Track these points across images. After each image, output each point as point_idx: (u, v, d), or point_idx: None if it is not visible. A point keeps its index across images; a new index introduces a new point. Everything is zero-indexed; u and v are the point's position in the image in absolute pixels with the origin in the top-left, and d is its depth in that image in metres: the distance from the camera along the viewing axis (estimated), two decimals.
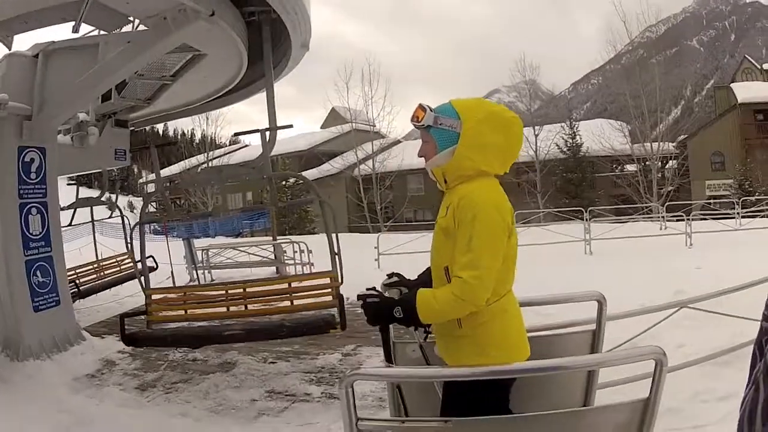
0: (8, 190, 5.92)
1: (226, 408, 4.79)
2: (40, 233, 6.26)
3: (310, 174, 35.31)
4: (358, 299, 2.17)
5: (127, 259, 10.25)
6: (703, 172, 30.40)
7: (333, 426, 4.08)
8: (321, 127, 44.90)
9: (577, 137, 32.50)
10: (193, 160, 38.08)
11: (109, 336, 6.98)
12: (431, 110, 2.18)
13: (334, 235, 5.48)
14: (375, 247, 13.08)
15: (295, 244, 12.49)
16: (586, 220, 15.30)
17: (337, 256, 5.50)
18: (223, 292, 5.57)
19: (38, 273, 6.19)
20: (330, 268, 5.44)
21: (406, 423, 2.02)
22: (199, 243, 14.08)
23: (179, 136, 64.83)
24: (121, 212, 9.46)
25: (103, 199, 9.41)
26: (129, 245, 10.49)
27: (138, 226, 5.94)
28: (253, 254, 13.04)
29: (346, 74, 35.30)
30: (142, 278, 5.67)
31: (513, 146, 2.22)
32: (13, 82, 5.92)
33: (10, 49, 5.91)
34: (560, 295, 2.89)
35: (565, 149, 32.46)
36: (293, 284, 5.58)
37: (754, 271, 5.01)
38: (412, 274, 2.51)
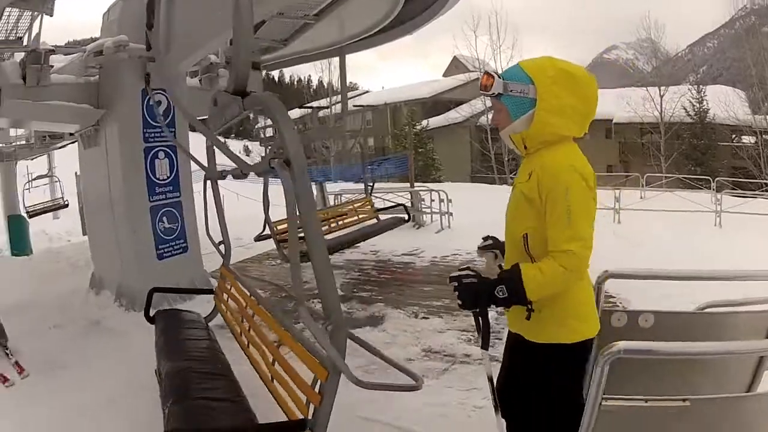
0: (131, 134, 5.28)
1: (381, 368, 3.75)
2: (168, 178, 5.62)
3: (436, 121, 33.84)
4: (450, 282, 1.86)
5: (366, 205, 8.50)
6: None
7: None
8: (443, 76, 42.81)
9: (704, 102, 28.24)
10: (314, 104, 36.97)
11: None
12: (499, 77, 1.91)
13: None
14: None
15: (433, 192, 11.26)
16: (714, 190, 14.04)
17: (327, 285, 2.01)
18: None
19: (164, 219, 5.60)
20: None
21: (649, 402, 1.74)
22: (331, 188, 13.30)
23: (296, 83, 63.89)
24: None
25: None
26: (368, 188, 9.07)
27: (210, 182, 3.80)
28: (388, 200, 11.86)
29: (474, 22, 32.41)
30: (222, 247, 4.10)
31: (590, 107, 1.91)
32: (132, 24, 5.16)
33: None
34: (755, 271, 2.55)
35: (691, 113, 28.29)
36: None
37: None
38: None
